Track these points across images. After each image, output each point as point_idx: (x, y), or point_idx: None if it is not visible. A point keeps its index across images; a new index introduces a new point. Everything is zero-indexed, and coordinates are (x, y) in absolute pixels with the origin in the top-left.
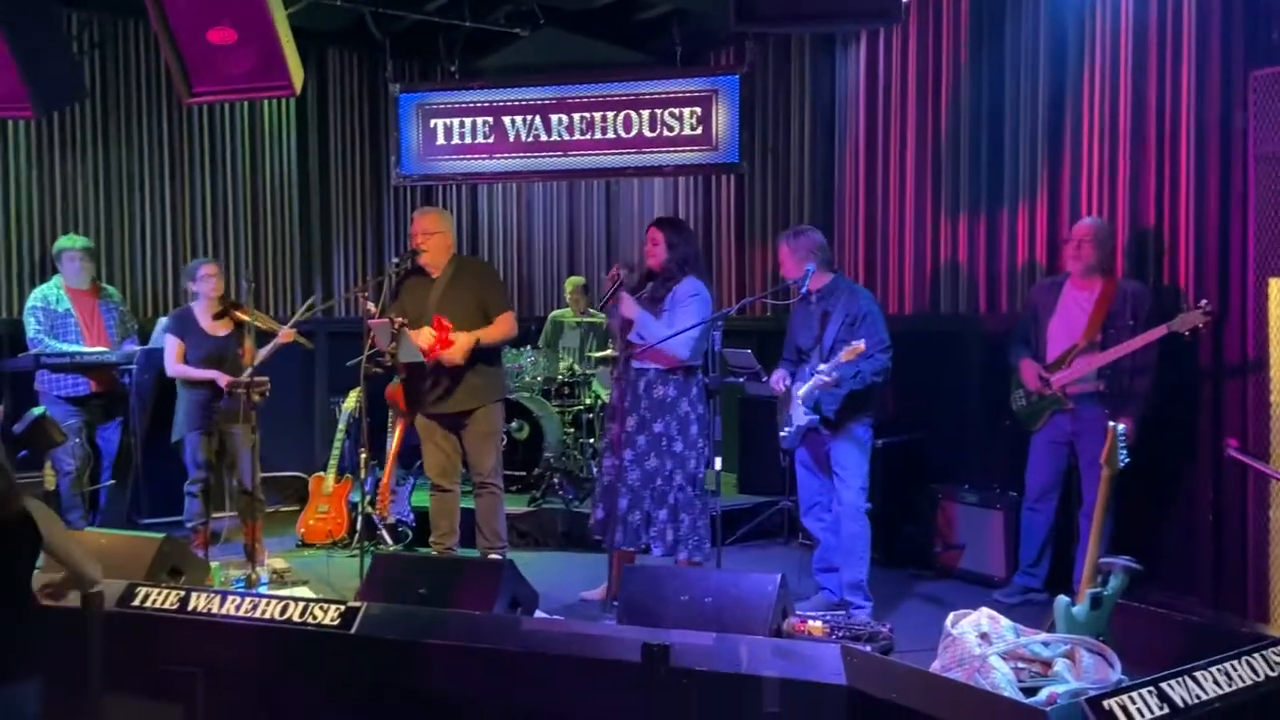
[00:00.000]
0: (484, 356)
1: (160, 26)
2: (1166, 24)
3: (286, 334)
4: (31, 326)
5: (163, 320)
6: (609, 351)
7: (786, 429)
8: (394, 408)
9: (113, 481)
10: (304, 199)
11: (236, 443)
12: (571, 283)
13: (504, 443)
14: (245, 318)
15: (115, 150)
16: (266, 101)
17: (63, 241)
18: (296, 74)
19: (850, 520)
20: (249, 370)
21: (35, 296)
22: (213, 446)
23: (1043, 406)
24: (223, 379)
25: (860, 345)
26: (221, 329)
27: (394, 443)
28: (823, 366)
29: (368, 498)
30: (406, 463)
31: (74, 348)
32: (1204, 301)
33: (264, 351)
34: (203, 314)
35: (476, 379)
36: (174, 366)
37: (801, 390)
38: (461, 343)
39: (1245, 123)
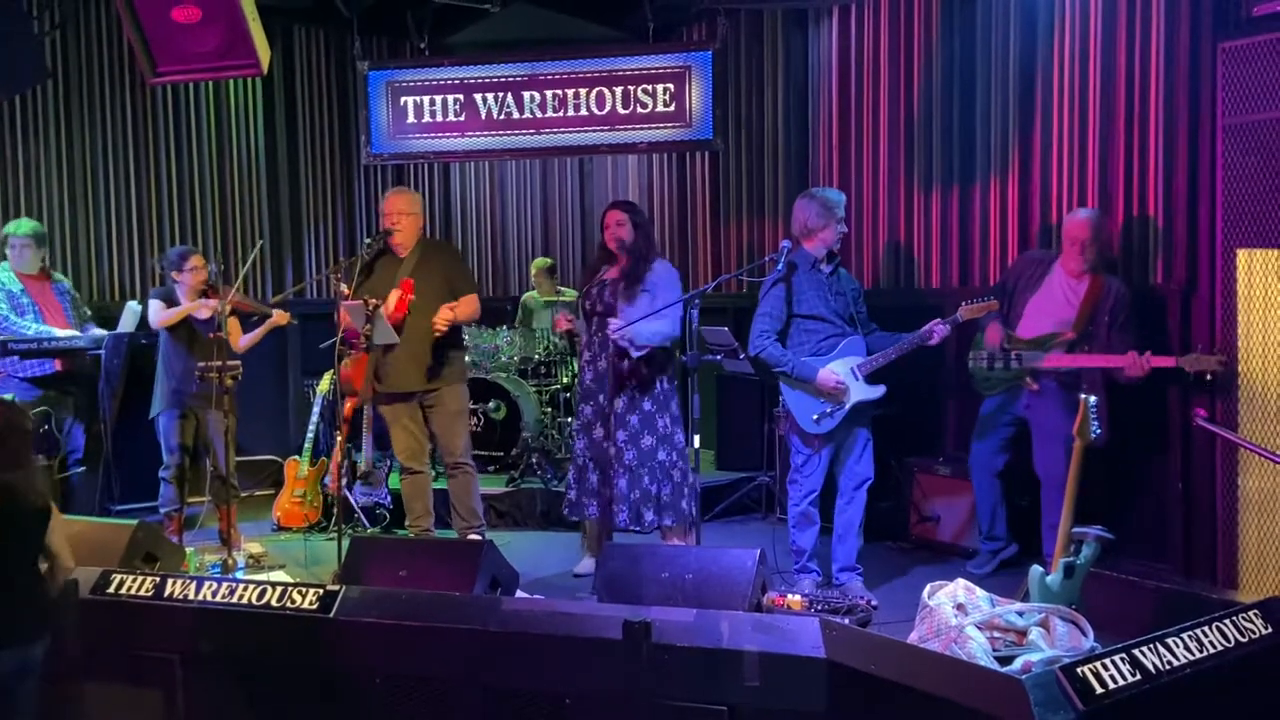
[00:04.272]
0: (448, 337)
1: (123, 5)
2: None
3: (279, 316)
4: None
5: (131, 304)
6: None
7: (830, 410)
8: (347, 388)
9: (83, 469)
10: (273, 180)
11: (211, 427)
12: (537, 265)
13: (481, 423)
14: (222, 301)
15: (78, 133)
16: (232, 81)
17: (9, 226)
18: (263, 53)
19: (865, 494)
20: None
21: None
22: (188, 430)
23: (1005, 377)
24: (206, 305)
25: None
26: (203, 312)
27: (345, 416)
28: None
29: (343, 481)
30: (382, 445)
31: (39, 328)
32: (1222, 356)
33: (254, 335)
34: (184, 297)
35: (440, 359)
36: (158, 316)
37: (854, 364)
38: (444, 314)
39: (1214, 94)
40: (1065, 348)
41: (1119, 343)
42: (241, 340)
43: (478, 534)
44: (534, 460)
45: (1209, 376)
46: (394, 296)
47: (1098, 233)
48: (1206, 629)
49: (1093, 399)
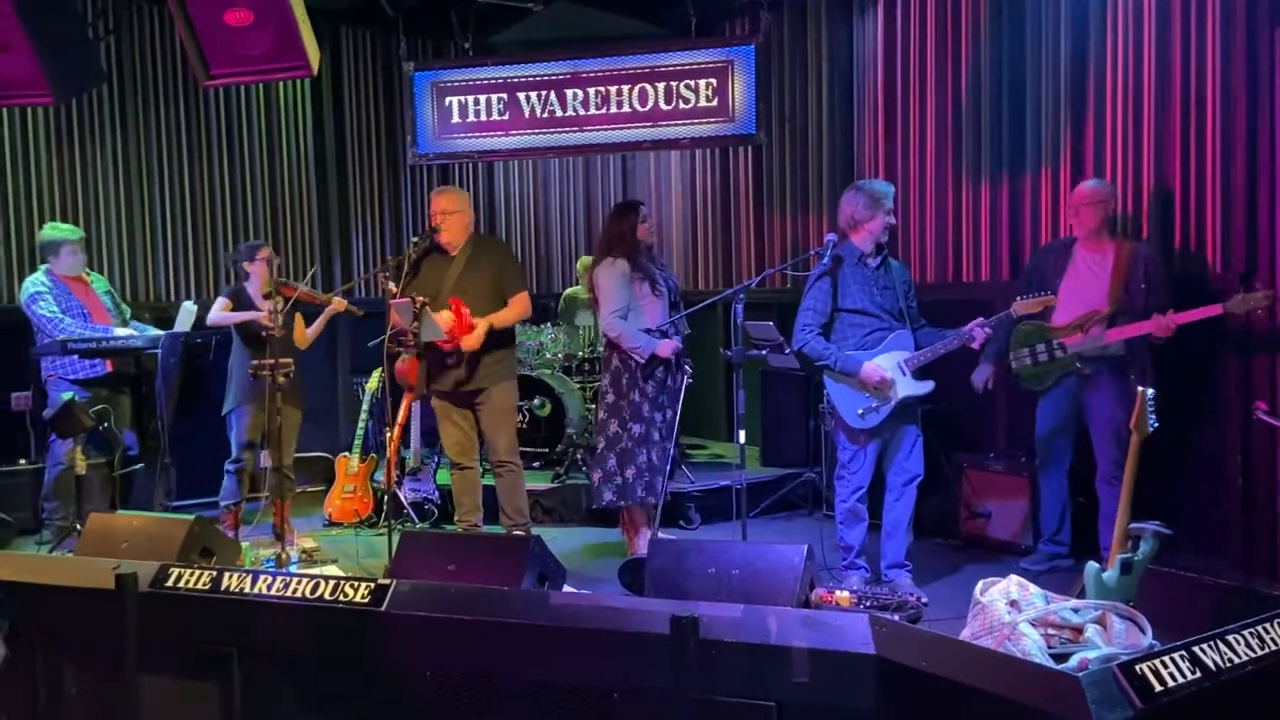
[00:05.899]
0: (498, 337)
1: (177, 9)
2: None
3: (338, 303)
4: (47, 308)
5: (186, 304)
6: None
7: (876, 405)
8: (404, 383)
9: (141, 465)
10: (321, 180)
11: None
12: (583, 262)
13: (526, 420)
14: (292, 294)
15: (134, 135)
16: (282, 83)
17: (54, 232)
18: (313, 54)
19: (915, 490)
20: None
21: (35, 284)
22: (258, 427)
23: (1052, 369)
24: (262, 316)
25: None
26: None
27: (400, 416)
28: (946, 341)
29: (394, 476)
30: (430, 441)
31: (92, 331)
32: (1269, 290)
33: (317, 325)
34: (255, 293)
35: (490, 359)
36: (216, 314)
37: (901, 358)
38: (479, 330)
39: (1271, 80)
40: (1104, 323)
41: (1155, 306)
42: (308, 330)
43: (523, 531)
44: (579, 456)
45: (1260, 312)
46: (446, 319)
47: (1098, 197)
48: (1268, 625)
49: (1150, 391)
